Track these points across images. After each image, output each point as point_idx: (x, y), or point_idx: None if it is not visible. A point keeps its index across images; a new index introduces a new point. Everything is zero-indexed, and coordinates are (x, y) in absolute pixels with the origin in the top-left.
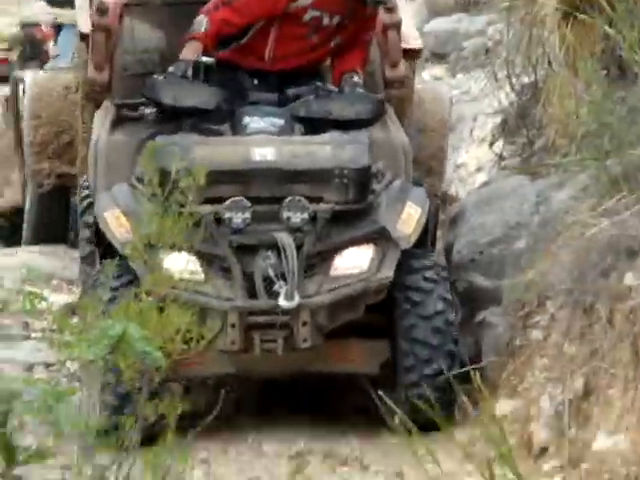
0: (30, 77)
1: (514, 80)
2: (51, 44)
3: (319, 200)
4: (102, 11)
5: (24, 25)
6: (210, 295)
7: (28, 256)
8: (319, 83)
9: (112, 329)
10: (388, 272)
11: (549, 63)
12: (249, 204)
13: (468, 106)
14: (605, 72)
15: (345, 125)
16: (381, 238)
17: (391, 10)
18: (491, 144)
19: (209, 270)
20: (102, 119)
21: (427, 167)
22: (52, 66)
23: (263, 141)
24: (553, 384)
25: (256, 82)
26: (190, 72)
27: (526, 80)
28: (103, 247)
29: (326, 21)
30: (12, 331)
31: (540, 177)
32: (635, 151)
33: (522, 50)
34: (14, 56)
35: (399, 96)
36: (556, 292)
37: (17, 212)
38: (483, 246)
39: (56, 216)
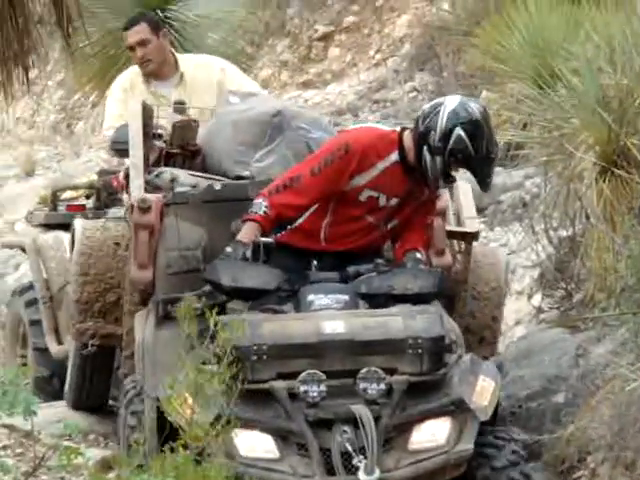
0: (79, 227)
1: (552, 233)
2: (125, 194)
3: (393, 372)
4: (144, 209)
5: (102, 173)
6: (286, 473)
7: (65, 410)
8: (380, 260)
9: None
10: (467, 445)
11: (587, 217)
12: (324, 376)
13: None
14: None
15: (409, 300)
16: (458, 410)
17: (437, 198)
18: (529, 297)
19: (284, 447)
20: (145, 317)
21: (479, 337)
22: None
23: (332, 315)
24: None
25: (316, 262)
26: (249, 253)
27: (564, 234)
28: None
29: (382, 202)
30: None
31: (579, 331)
32: None
33: (560, 204)
34: (91, 204)
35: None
36: (596, 447)
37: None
38: (522, 400)
39: (99, 381)
